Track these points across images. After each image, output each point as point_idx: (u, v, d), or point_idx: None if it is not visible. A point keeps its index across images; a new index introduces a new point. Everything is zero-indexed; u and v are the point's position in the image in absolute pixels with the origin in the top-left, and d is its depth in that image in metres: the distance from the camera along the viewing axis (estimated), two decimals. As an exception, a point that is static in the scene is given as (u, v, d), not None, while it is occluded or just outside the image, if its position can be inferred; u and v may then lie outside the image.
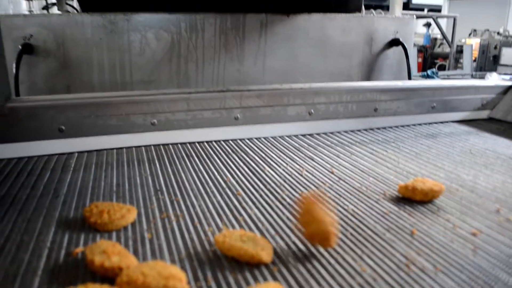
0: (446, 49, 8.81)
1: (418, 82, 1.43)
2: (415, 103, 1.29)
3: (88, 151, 0.99)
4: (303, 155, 0.98)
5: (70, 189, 0.77)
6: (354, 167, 0.89)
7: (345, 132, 1.19)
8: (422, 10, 7.87)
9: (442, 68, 9.15)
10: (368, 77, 1.88)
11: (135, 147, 1.02)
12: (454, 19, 6.78)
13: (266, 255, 0.51)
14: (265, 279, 0.48)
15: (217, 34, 1.62)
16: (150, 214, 0.66)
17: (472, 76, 4.62)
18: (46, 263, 0.52)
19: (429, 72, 3.14)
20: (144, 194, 0.74)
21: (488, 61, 9.47)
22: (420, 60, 9.12)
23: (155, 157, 0.96)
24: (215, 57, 1.64)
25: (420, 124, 1.28)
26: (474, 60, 8.92)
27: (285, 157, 0.96)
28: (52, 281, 0.48)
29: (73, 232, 0.60)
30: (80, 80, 1.56)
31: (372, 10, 4.85)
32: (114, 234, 0.59)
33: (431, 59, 9.73)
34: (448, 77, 4.18)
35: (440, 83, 1.37)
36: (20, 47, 1.46)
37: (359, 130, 1.20)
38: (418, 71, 7.87)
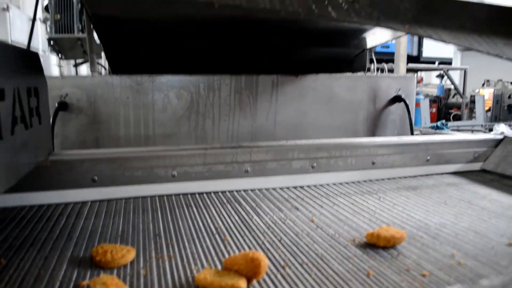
0: (460, 99, 8.93)
1: (414, 138, 1.56)
2: (410, 156, 1.41)
3: (116, 199, 1.14)
4: (289, 205, 1.09)
5: (82, 233, 0.90)
6: (333, 216, 1.00)
7: (334, 184, 1.30)
8: (433, 63, 8.08)
9: (457, 118, 9.23)
10: (372, 132, 2.02)
11: (158, 196, 1.16)
12: (465, 71, 6.94)
13: (243, 283, 0.63)
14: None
15: (232, 93, 1.80)
16: (147, 254, 0.79)
17: (482, 126, 4.71)
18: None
19: (439, 123, 3.26)
20: (145, 237, 0.87)
21: (503, 110, 9.52)
22: (434, 110, 9.23)
23: (158, 206, 1.09)
24: (230, 114, 1.80)
25: (415, 176, 1.39)
26: (488, 110, 9.00)
27: (273, 207, 1.08)
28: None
29: (81, 269, 0.73)
30: (108, 134, 1.73)
31: (384, 64, 5.05)
32: (115, 271, 0.72)
33: (446, 109, 9.84)
34: (458, 128, 4.28)
35: (433, 138, 1.49)
36: (56, 104, 1.65)
37: (353, 182, 1.32)
38: (432, 121, 7.97)
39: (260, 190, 1.22)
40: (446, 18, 1.01)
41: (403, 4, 0.99)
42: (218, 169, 1.21)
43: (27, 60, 1.00)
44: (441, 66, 7.91)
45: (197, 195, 1.18)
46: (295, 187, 1.26)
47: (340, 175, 1.32)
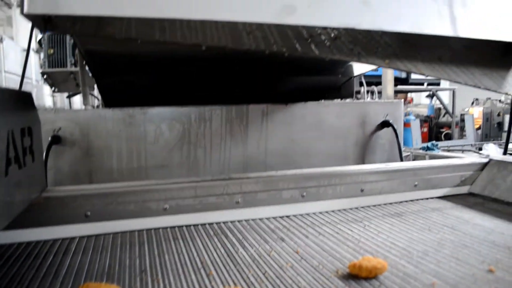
0: (451, 118, 9.04)
1: (401, 164, 1.59)
2: (398, 183, 1.44)
3: (108, 234, 1.15)
4: (275, 236, 1.10)
5: (69, 271, 0.91)
6: (318, 247, 1.01)
7: (320, 213, 1.31)
8: (422, 84, 8.21)
9: (448, 136, 9.32)
10: (362, 157, 2.06)
11: (148, 229, 1.18)
12: (453, 91, 7.06)
13: None
14: None
15: (223, 123, 1.83)
16: (132, 291, 0.80)
17: (472, 146, 4.77)
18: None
19: (429, 144, 3.32)
20: (131, 274, 0.88)
21: (493, 128, 9.65)
22: (425, 129, 9.33)
23: (145, 240, 1.10)
24: (222, 143, 1.83)
25: (401, 202, 1.41)
26: (478, 128, 9.12)
27: (259, 238, 1.09)
28: None
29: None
30: (101, 166, 1.75)
31: (374, 87, 5.12)
32: (100, 310, 0.73)
33: (437, 128, 9.95)
34: (448, 149, 4.33)
35: (421, 164, 1.52)
36: (50, 138, 1.67)
37: (342, 210, 1.34)
38: (424, 140, 8.05)
39: (247, 221, 1.23)
40: (425, 51, 1.06)
41: (383, 39, 1.04)
42: (209, 201, 1.23)
43: (20, 101, 1.03)
44: (430, 87, 8.04)
45: (184, 228, 1.18)
46: (281, 217, 1.27)
47: (329, 203, 1.34)
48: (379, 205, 1.38)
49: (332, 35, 0.99)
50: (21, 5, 0.70)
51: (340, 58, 0.95)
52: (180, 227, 1.19)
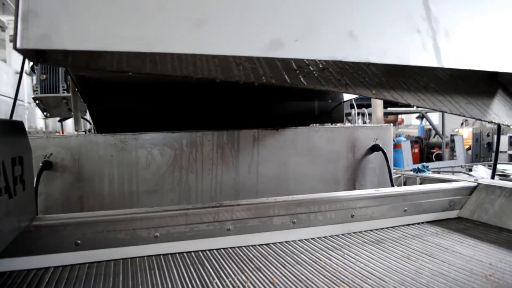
0: (441, 139, 9.13)
1: (391, 189, 1.61)
2: (388, 208, 1.45)
3: (99, 262, 1.14)
4: (253, 266, 1.09)
5: None
6: (294, 277, 1.01)
7: (299, 240, 1.30)
8: (412, 106, 8.32)
9: (439, 157, 9.40)
10: (353, 181, 2.07)
11: (141, 257, 1.17)
12: (443, 113, 7.15)
13: None
14: None
15: (214, 148, 1.84)
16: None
17: (462, 167, 4.81)
18: None
19: (420, 166, 3.33)
20: None
21: (483, 148, 9.73)
22: (416, 150, 9.41)
23: (120, 270, 1.09)
24: (213, 168, 1.84)
25: (392, 227, 1.42)
26: (469, 149, 9.20)
27: (236, 268, 1.08)
28: None
29: None
30: (92, 191, 1.75)
31: (364, 109, 5.17)
32: None
33: (428, 148, 10.04)
34: (439, 170, 4.36)
35: (410, 189, 1.54)
36: (41, 164, 1.66)
37: (337, 235, 1.34)
38: (415, 161, 8.10)
39: (225, 249, 1.23)
40: (410, 81, 1.08)
41: (370, 69, 1.07)
42: (200, 228, 1.23)
43: (11, 130, 1.04)
44: (419, 109, 8.14)
45: (177, 256, 1.18)
46: (270, 244, 1.27)
47: (320, 229, 1.35)
48: (371, 230, 1.39)
49: (320, 66, 1.02)
50: (13, 39, 0.72)
51: (328, 89, 0.97)
52: (173, 254, 1.19)
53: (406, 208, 1.48)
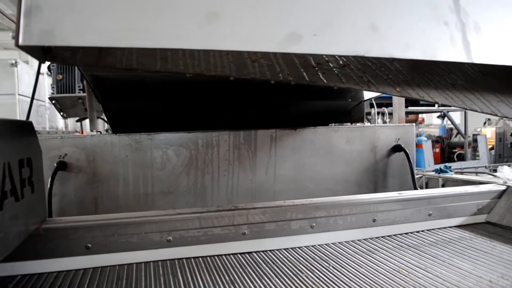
0: (463, 138, 8.92)
1: (414, 192, 1.53)
2: (411, 212, 1.38)
3: (111, 266, 1.11)
4: (270, 272, 1.04)
5: None
6: (312, 285, 0.95)
7: (319, 245, 1.24)
8: (433, 105, 8.15)
9: (460, 157, 9.19)
10: (374, 182, 2.00)
11: (154, 262, 1.13)
12: (465, 112, 6.98)
13: None
14: None
15: (231, 149, 1.79)
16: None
17: (486, 168, 4.66)
18: None
19: (442, 167, 3.22)
20: None
21: (506, 148, 9.47)
22: (437, 150, 9.21)
23: (134, 274, 1.06)
24: (229, 169, 1.79)
25: (418, 232, 1.35)
26: (492, 149, 8.96)
27: (253, 274, 1.03)
28: None
29: None
30: (107, 192, 1.72)
31: (384, 109, 5.06)
32: None
33: (449, 148, 9.82)
34: (461, 171, 4.24)
35: (435, 192, 1.47)
36: (55, 165, 1.64)
37: (359, 240, 1.28)
38: (436, 161, 7.94)
39: (241, 254, 1.18)
40: (437, 78, 1.02)
41: (394, 65, 1.00)
42: (214, 232, 1.18)
43: (19, 130, 1.01)
44: (441, 108, 7.97)
45: (191, 260, 1.14)
46: (289, 249, 1.22)
47: (340, 234, 1.29)
48: (394, 235, 1.32)
49: (341, 62, 0.96)
50: (16, 36, 0.68)
51: (349, 87, 0.91)
52: (187, 259, 1.15)
53: (431, 212, 1.40)
